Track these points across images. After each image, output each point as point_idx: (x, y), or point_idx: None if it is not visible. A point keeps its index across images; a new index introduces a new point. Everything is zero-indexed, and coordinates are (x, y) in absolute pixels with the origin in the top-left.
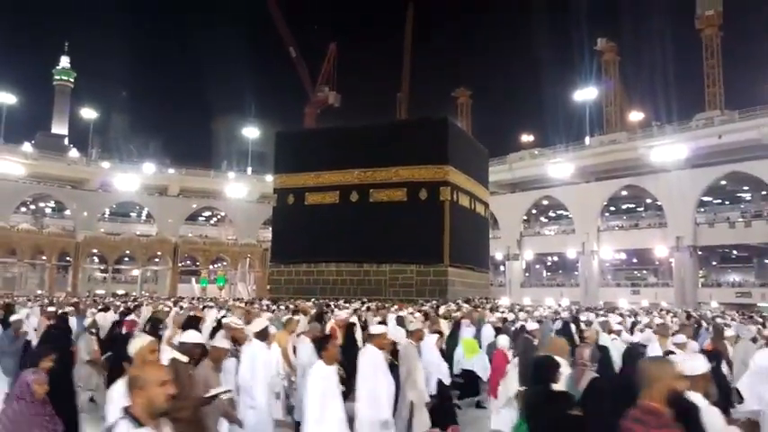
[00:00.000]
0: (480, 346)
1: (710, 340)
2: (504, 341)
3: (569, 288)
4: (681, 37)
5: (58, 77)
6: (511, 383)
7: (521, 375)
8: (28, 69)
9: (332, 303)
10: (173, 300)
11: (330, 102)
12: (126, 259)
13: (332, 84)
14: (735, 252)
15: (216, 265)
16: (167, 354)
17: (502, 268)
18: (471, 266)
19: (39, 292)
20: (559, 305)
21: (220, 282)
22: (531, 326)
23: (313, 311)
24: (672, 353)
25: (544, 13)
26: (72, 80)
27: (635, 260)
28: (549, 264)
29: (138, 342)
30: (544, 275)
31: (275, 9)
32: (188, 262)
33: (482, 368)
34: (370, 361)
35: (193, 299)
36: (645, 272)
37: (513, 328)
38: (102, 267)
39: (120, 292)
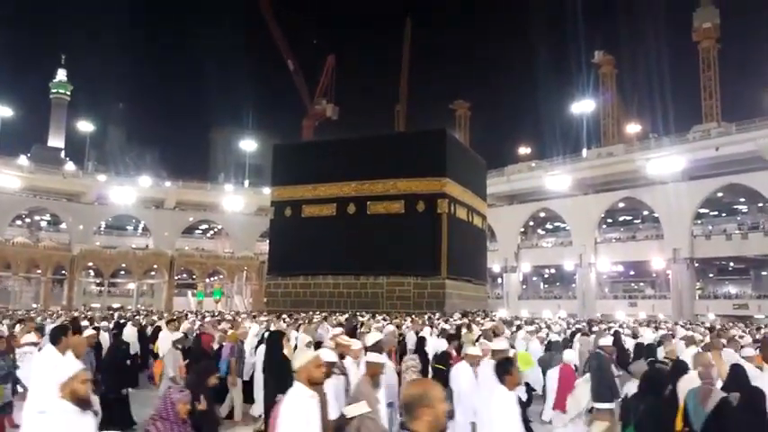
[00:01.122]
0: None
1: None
2: (570, 356)
3: (567, 300)
4: (678, 49)
5: (54, 90)
6: (582, 397)
7: (593, 390)
8: (25, 82)
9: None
10: (196, 313)
11: (328, 114)
12: (122, 273)
13: (330, 96)
14: (732, 264)
15: (212, 279)
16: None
17: (499, 281)
18: (469, 279)
19: (34, 305)
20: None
21: (217, 295)
22: (605, 341)
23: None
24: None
25: (542, 26)
26: (68, 93)
27: (632, 272)
28: (546, 276)
29: (304, 357)
30: (541, 288)
31: (273, 22)
32: (184, 275)
33: (535, 380)
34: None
35: (237, 312)
36: (642, 284)
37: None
38: (97, 281)
39: (116, 305)
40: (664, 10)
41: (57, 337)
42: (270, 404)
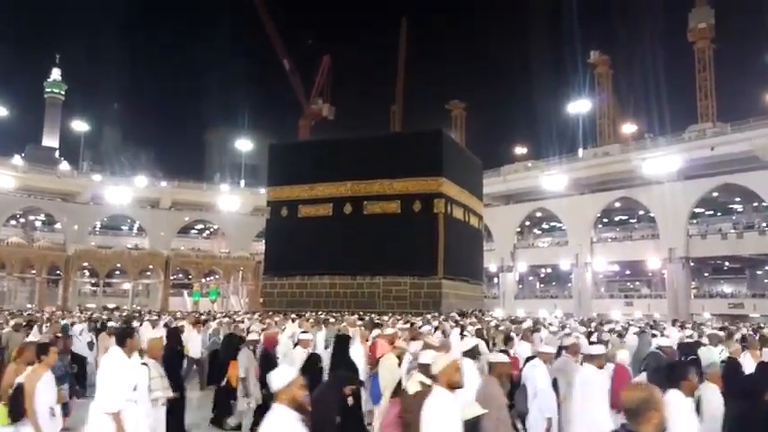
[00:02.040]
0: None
1: None
2: (624, 355)
3: (563, 300)
4: (673, 50)
5: (49, 90)
6: None
7: None
8: (19, 82)
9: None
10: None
11: (324, 114)
12: (117, 273)
13: (326, 96)
14: (727, 263)
15: (208, 279)
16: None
17: (496, 280)
18: (465, 278)
19: (28, 306)
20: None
21: (213, 295)
22: (664, 341)
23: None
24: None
25: (538, 26)
26: (63, 93)
27: (628, 272)
28: (542, 276)
29: (445, 359)
30: (537, 287)
31: (269, 22)
32: (180, 275)
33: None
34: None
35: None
36: (638, 283)
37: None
38: (92, 281)
39: (111, 305)
40: (659, 10)
41: (123, 340)
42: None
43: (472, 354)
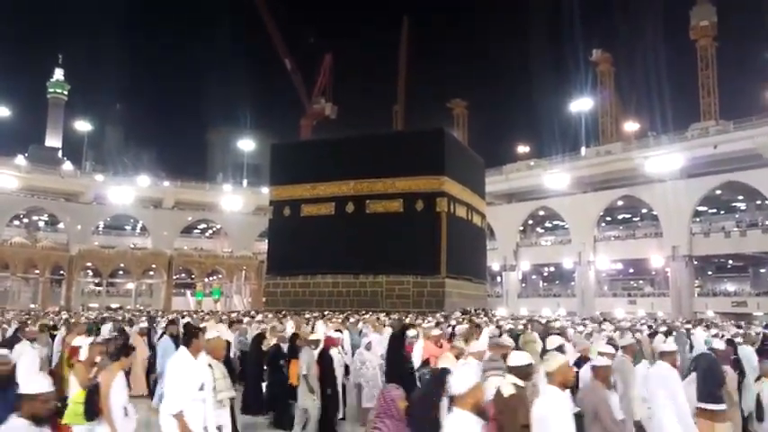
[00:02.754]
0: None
1: None
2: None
3: (566, 298)
4: (675, 47)
5: (51, 90)
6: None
7: (700, 391)
8: (21, 82)
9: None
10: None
11: (326, 113)
12: (120, 272)
13: (328, 95)
14: (730, 262)
15: (211, 278)
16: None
17: (499, 279)
18: (468, 277)
19: (32, 306)
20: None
21: (216, 294)
22: (718, 344)
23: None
24: None
25: (539, 24)
26: (66, 93)
27: (631, 270)
28: (545, 274)
29: (558, 359)
30: (541, 286)
31: (270, 21)
32: (183, 275)
33: None
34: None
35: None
36: (641, 282)
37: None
38: (96, 281)
39: (115, 305)
40: (661, 8)
41: (189, 340)
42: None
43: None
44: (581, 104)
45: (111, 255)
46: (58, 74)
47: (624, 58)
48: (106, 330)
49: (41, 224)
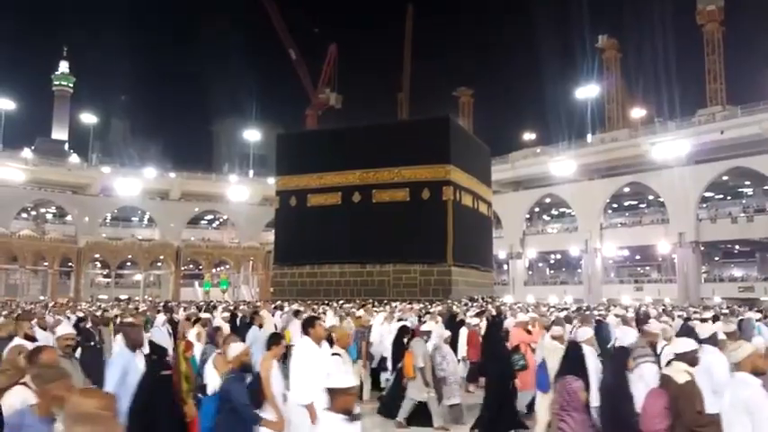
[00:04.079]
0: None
1: None
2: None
3: (572, 286)
4: (682, 33)
5: (57, 83)
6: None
7: None
8: (27, 75)
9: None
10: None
11: (331, 103)
12: (128, 264)
13: (333, 85)
14: (737, 247)
15: (219, 269)
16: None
17: (505, 267)
18: (475, 265)
19: (41, 298)
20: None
21: (223, 285)
22: None
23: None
24: None
25: (545, 10)
26: (71, 85)
27: (638, 257)
28: (552, 262)
29: (747, 348)
30: (547, 273)
31: (274, 11)
32: (191, 266)
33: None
34: None
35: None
36: (648, 268)
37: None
38: (104, 272)
39: (124, 297)
40: None
41: (306, 329)
42: (492, 387)
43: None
44: (587, 91)
45: (118, 246)
46: (63, 66)
47: (630, 43)
48: (159, 321)
49: (49, 216)
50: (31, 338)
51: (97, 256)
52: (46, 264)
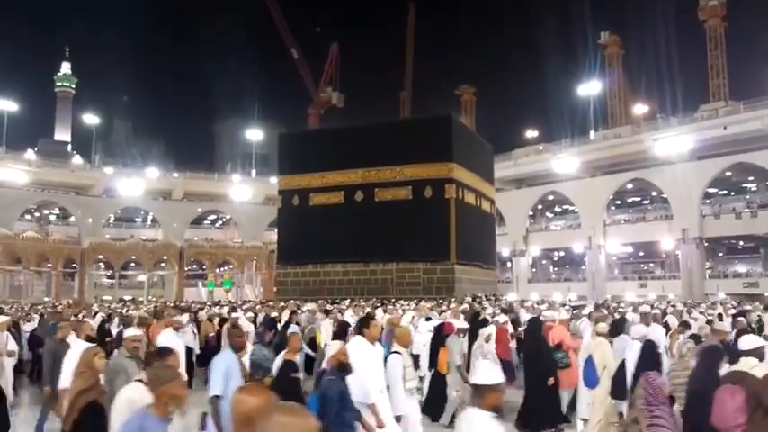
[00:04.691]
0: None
1: None
2: None
3: (576, 283)
4: (684, 28)
5: (59, 84)
6: None
7: None
8: (29, 76)
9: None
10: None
11: (333, 102)
12: (132, 264)
13: (335, 84)
14: (741, 243)
15: (222, 269)
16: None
17: (509, 264)
18: (478, 263)
19: (45, 299)
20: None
21: (227, 285)
22: None
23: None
24: None
25: (547, 7)
26: (73, 86)
27: (642, 253)
28: (555, 259)
29: None
30: (551, 271)
31: (276, 11)
32: (194, 266)
33: None
34: None
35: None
36: (652, 265)
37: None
38: (108, 273)
39: (128, 297)
40: None
41: (362, 328)
42: (536, 383)
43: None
44: (589, 88)
45: (122, 247)
46: (65, 67)
47: (632, 40)
48: (184, 320)
49: (53, 218)
50: (92, 340)
51: (101, 256)
52: (50, 265)
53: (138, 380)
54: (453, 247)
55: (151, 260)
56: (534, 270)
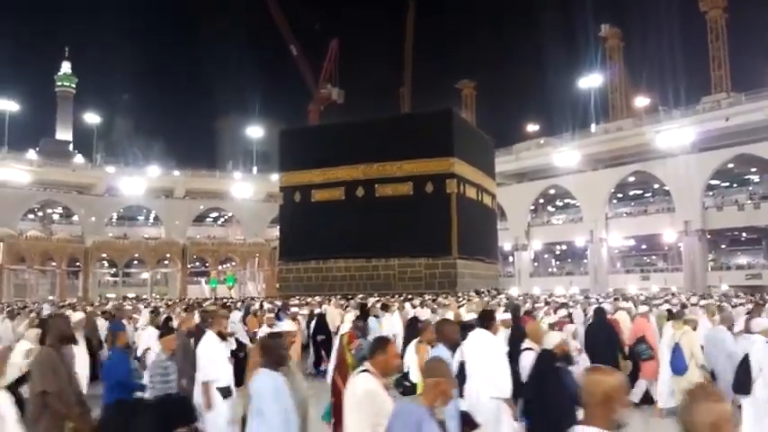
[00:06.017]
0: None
1: None
2: None
3: (579, 276)
4: (685, 20)
5: (60, 83)
6: None
7: None
8: (30, 76)
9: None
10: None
11: (333, 98)
12: (135, 262)
13: (335, 80)
14: (744, 234)
15: (225, 266)
16: None
17: (510, 259)
18: (480, 258)
19: (50, 298)
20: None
21: (230, 282)
22: None
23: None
24: None
25: (546, 0)
26: (74, 86)
27: (644, 246)
28: (557, 253)
29: None
30: (553, 264)
31: (275, 7)
32: (197, 263)
33: None
34: None
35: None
36: (654, 257)
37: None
38: (111, 271)
39: (131, 295)
40: None
41: (485, 322)
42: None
43: None
44: (590, 81)
45: (125, 245)
46: (66, 67)
47: (633, 32)
48: (236, 318)
49: (56, 217)
50: (224, 336)
51: (104, 255)
52: (54, 264)
53: (365, 370)
54: (455, 241)
55: (154, 258)
56: (536, 264)
